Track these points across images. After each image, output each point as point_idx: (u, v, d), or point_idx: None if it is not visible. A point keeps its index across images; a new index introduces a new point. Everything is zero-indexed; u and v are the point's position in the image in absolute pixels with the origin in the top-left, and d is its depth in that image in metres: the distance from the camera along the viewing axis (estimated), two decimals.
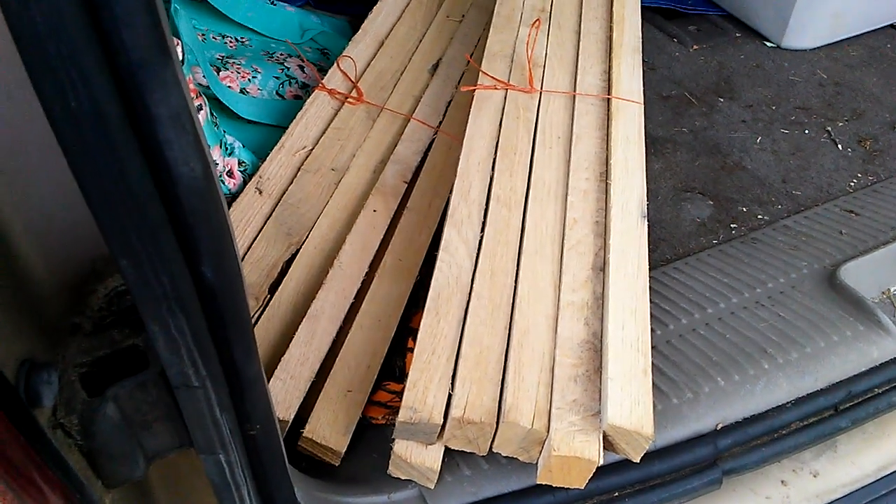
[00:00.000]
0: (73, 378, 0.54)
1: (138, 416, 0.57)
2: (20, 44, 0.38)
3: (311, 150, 1.38)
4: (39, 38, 0.38)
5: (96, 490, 0.58)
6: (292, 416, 0.99)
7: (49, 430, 0.51)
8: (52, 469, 0.51)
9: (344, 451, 0.99)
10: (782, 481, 1.05)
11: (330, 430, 0.99)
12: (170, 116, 0.44)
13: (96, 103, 0.40)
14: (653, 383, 0.92)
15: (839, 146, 1.57)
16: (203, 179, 0.47)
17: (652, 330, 1.01)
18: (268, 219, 1.25)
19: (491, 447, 0.93)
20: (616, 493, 0.98)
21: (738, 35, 1.93)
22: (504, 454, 0.93)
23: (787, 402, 1.06)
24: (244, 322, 0.57)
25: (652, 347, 0.96)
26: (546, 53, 1.46)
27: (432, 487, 0.95)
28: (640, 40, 1.48)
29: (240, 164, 1.37)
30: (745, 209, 1.41)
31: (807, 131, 1.61)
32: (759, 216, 1.39)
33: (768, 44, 1.89)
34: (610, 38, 1.50)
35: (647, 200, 1.15)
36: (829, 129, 1.62)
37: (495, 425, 0.91)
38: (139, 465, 0.60)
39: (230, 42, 1.66)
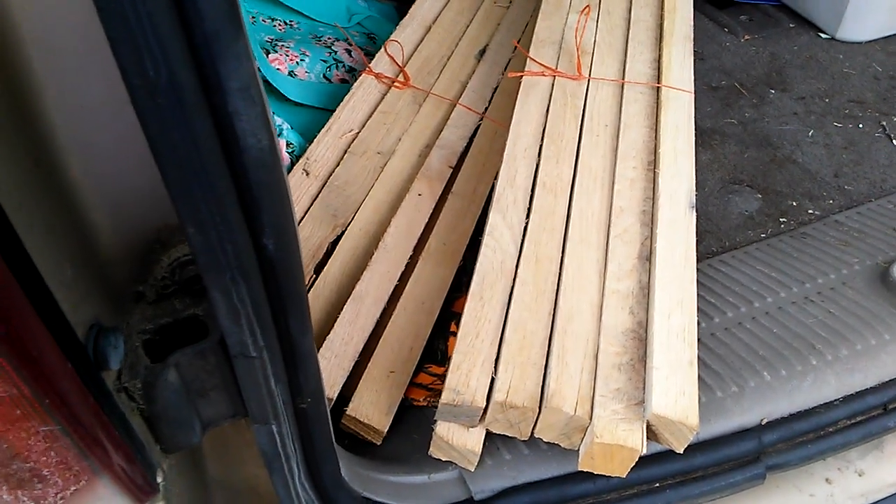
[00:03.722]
0: (137, 344, 0.55)
1: (197, 383, 0.58)
2: (102, 13, 0.39)
3: (358, 133, 1.39)
4: (120, 4, 0.39)
5: (155, 454, 0.59)
6: (336, 395, 1.01)
7: (114, 393, 0.53)
8: (117, 430, 0.52)
9: (386, 430, 1.00)
10: (827, 479, 1.03)
11: (373, 409, 1.00)
12: (240, 88, 0.45)
13: (173, 73, 0.41)
14: (697, 376, 0.91)
15: (894, 141, 1.53)
16: (269, 152, 0.48)
17: (697, 322, 1.00)
18: (314, 200, 1.27)
19: (532, 432, 0.93)
20: (657, 484, 0.98)
21: (791, 26, 1.88)
22: (545, 440, 0.93)
23: (835, 400, 1.04)
24: (301, 295, 0.59)
25: (697, 340, 0.95)
26: (595, 40, 1.45)
27: (472, 470, 0.96)
28: (692, 28, 1.46)
29: (287, 145, 1.39)
30: (794, 203, 1.38)
31: (861, 125, 1.57)
32: (810, 211, 1.36)
33: (822, 35, 1.85)
34: (660, 26, 1.48)
35: (695, 191, 1.14)
36: (884, 123, 1.58)
37: (538, 410, 0.91)
38: (195, 432, 0.61)
39: (279, 25, 1.68)
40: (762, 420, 1.02)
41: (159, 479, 0.60)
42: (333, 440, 0.77)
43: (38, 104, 0.49)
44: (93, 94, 0.51)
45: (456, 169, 1.34)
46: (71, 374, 0.46)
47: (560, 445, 0.93)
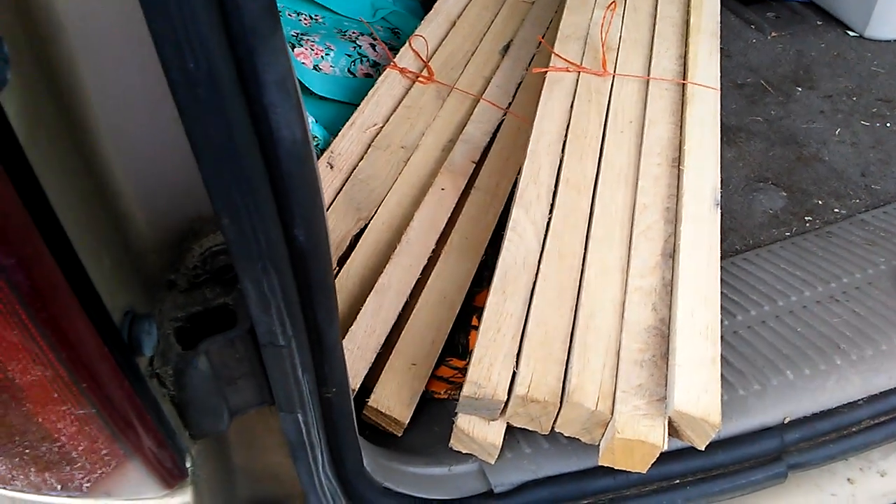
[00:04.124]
0: (169, 331, 0.57)
1: (226, 371, 0.60)
2: (146, 8, 0.40)
3: (382, 127, 1.40)
4: (165, 1, 0.40)
5: (184, 440, 0.61)
6: (358, 386, 1.02)
7: (147, 378, 0.54)
8: (149, 415, 0.53)
9: (407, 421, 1.01)
10: (849, 479, 1.03)
11: (394, 400, 1.01)
12: (276, 81, 0.46)
13: (212, 64, 0.42)
14: (720, 373, 0.91)
15: None
16: (302, 144, 0.49)
17: (720, 320, 0.99)
18: (338, 193, 1.28)
19: (553, 427, 0.93)
20: (677, 481, 0.98)
21: (818, 23, 1.87)
22: (566, 434, 0.94)
23: (859, 400, 1.03)
24: (329, 287, 0.59)
25: (720, 337, 0.95)
26: (620, 36, 1.44)
27: (492, 463, 0.97)
28: (719, 25, 1.45)
29: (312, 139, 1.40)
30: (820, 202, 1.37)
31: (888, 124, 1.55)
32: (836, 210, 1.35)
33: (850, 33, 1.83)
34: (687, 23, 1.47)
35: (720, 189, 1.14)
36: None
37: (559, 405, 0.91)
38: (223, 419, 0.62)
39: (305, 19, 1.69)
40: (785, 419, 1.01)
41: (188, 465, 0.61)
42: (357, 430, 0.78)
43: (78, 98, 0.50)
44: (132, 88, 0.52)
45: (479, 164, 1.34)
46: (107, 358, 0.47)
47: (580, 440, 0.94)
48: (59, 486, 0.59)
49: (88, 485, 0.59)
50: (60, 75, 0.49)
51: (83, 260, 0.45)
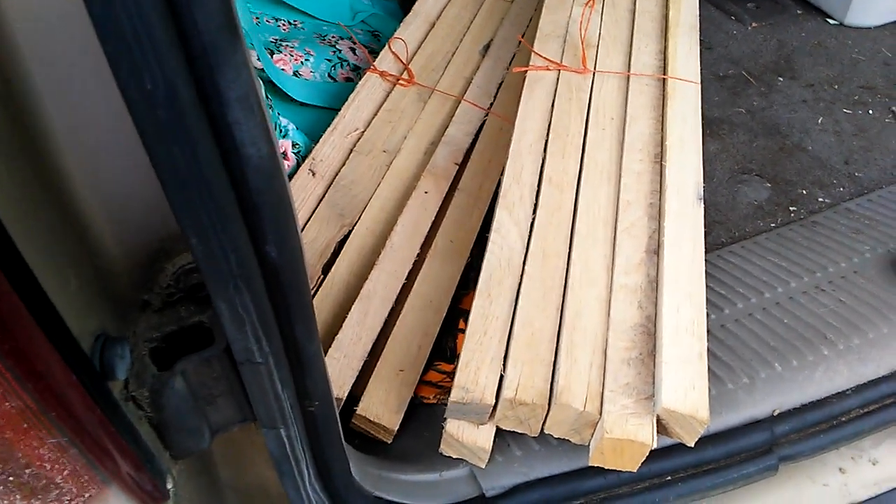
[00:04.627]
0: (144, 352, 0.56)
1: (204, 390, 0.59)
2: (98, 26, 0.39)
3: (363, 132, 1.39)
4: (117, 18, 0.39)
5: (164, 461, 0.60)
6: (346, 394, 1.01)
7: (122, 402, 0.53)
8: (125, 439, 0.53)
9: (396, 428, 1.00)
10: (840, 469, 1.03)
11: (383, 408, 1.01)
12: (238, 98, 0.45)
13: (171, 84, 0.41)
14: (708, 368, 0.91)
15: None
16: (269, 160, 0.48)
17: (707, 314, 0.99)
18: (321, 200, 1.27)
19: (542, 428, 0.93)
20: (668, 478, 0.98)
21: (799, 12, 1.87)
22: (555, 436, 0.93)
23: (847, 389, 1.03)
24: (305, 301, 0.59)
25: (707, 332, 0.95)
26: (600, 33, 1.44)
27: (483, 467, 0.96)
28: (698, 18, 1.44)
29: (293, 145, 1.39)
30: (804, 192, 1.37)
31: (871, 111, 1.56)
32: (820, 199, 1.35)
33: (831, 21, 1.83)
34: (666, 17, 1.47)
35: (703, 183, 1.13)
36: (894, 109, 1.56)
37: (547, 407, 0.91)
38: (204, 438, 0.62)
39: (283, 25, 1.68)
40: (774, 411, 1.01)
41: (169, 486, 0.60)
42: (343, 441, 0.77)
43: (37, 115, 0.49)
44: (93, 105, 0.51)
45: (462, 166, 1.33)
46: (76, 386, 0.46)
47: (570, 441, 0.93)
48: None
49: None
50: (18, 93, 0.48)
51: (46, 284, 0.44)
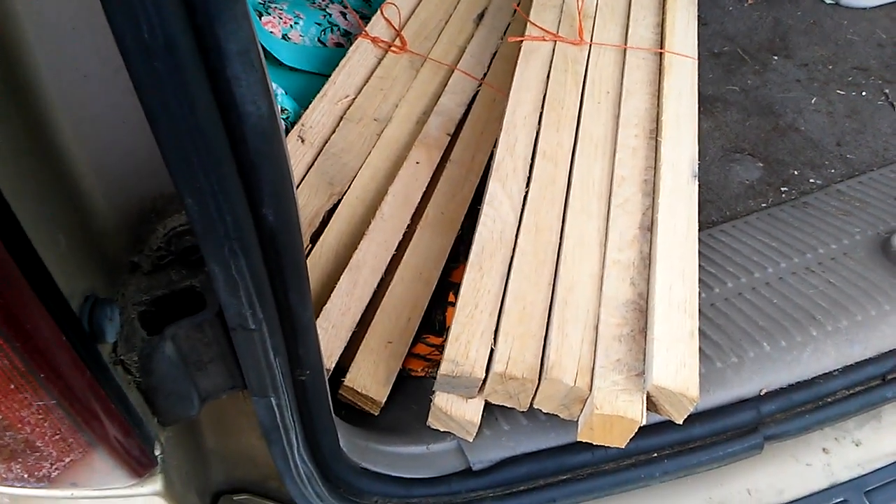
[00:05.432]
0: (133, 316, 0.54)
1: (194, 355, 0.57)
2: None
3: (354, 99, 1.36)
4: None
5: (152, 427, 0.58)
6: (333, 365, 1.00)
7: (111, 366, 0.52)
8: (113, 403, 0.51)
9: (384, 400, 0.99)
10: (824, 449, 1.04)
11: (370, 379, 1.00)
12: (239, 52, 0.43)
13: (169, 35, 0.39)
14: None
15: None
16: (268, 119, 0.46)
17: (697, 293, 0.99)
18: (310, 168, 1.25)
19: (532, 403, 0.92)
20: (655, 454, 0.98)
21: None
22: (544, 411, 0.93)
23: (834, 370, 1.04)
24: (301, 267, 0.57)
25: (698, 311, 0.94)
26: (597, 4, 1.41)
27: (471, 440, 0.96)
28: None
29: (282, 111, 1.36)
30: (796, 172, 1.37)
31: (864, 93, 1.55)
32: (812, 180, 1.35)
33: (827, 1, 1.82)
34: None
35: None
36: (887, 91, 1.56)
37: (537, 381, 0.90)
38: (194, 405, 0.60)
39: None
40: (761, 390, 1.02)
41: (157, 452, 0.59)
42: (332, 412, 0.76)
43: (27, 68, 0.46)
44: (85, 58, 0.48)
45: (454, 136, 1.31)
46: (66, 347, 0.44)
47: (559, 416, 0.93)
48: (23, 476, 0.57)
49: (55, 473, 0.56)
50: (7, 46, 0.45)
51: (36, 242, 0.43)
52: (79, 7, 0.45)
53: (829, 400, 1.03)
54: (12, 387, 0.43)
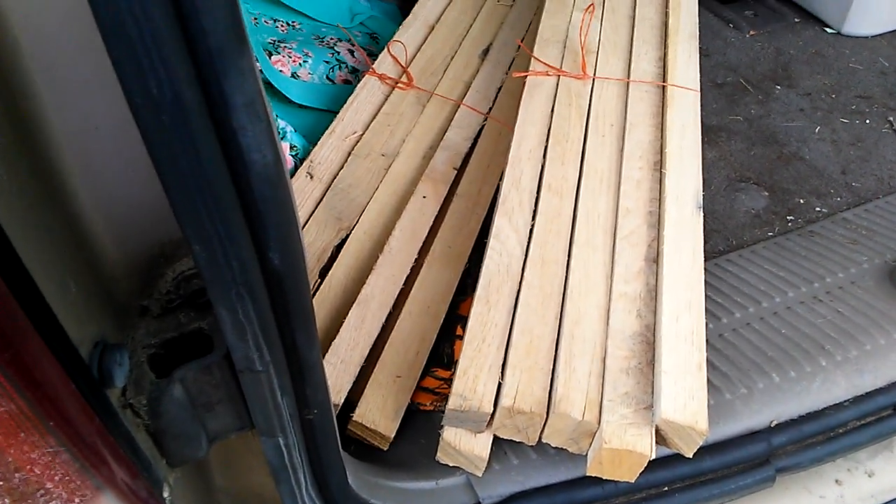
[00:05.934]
0: (143, 359, 0.55)
1: (202, 397, 0.58)
2: (104, 30, 0.39)
3: (362, 135, 1.38)
4: (123, 23, 0.38)
5: (161, 468, 0.59)
6: (342, 400, 1.00)
7: (119, 409, 0.52)
8: (121, 447, 0.52)
9: (393, 435, 0.99)
10: (837, 480, 1.03)
11: (379, 414, 1.00)
12: (245, 104, 0.44)
13: (176, 90, 0.40)
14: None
15: None
16: (274, 166, 0.47)
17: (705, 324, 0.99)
18: (318, 203, 1.26)
19: (540, 437, 0.92)
20: (666, 488, 0.97)
21: (796, 20, 1.87)
22: (553, 445, 0.93)
23: (845, 401, 1.03)
24: (307, 309, 0.58)
25: (705, 342, 0.94)
26: (599, 39, 1.44)
27: (480, 475, 0.96)
28: (697, 26, 1.44)
29: (291, 148, 1.38)
30: (802, 201, 1.37)
31: (868, 121, 1.56)
32: (817, 208, 1.35)
33: (828, 30, 1.84)
34: (665, 24, 1.46)
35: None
36: (891, 118, 1.56)
37: (545, 415, 0.90)
38: (202, 446, 0.61)
39: (281, 26, 1.67)
40: (772, 422, 1.01)
41: (165, 494, 0.59)
42: (340, 449, 0.77)
43: (39, 119, 0.48)
44: (96, 110, 0.50)
45: (460, 171, 1.33)
46: (74, 394, 0.45)
47: (568, 450, 0.93)
48: None
49: None
50: (19, 97, 0.47)
51: (45, 290, 0.44)
52: (90, 63, 0.46)
53: (841, 431, 1.02)
54: (22, 433, 0.44)
